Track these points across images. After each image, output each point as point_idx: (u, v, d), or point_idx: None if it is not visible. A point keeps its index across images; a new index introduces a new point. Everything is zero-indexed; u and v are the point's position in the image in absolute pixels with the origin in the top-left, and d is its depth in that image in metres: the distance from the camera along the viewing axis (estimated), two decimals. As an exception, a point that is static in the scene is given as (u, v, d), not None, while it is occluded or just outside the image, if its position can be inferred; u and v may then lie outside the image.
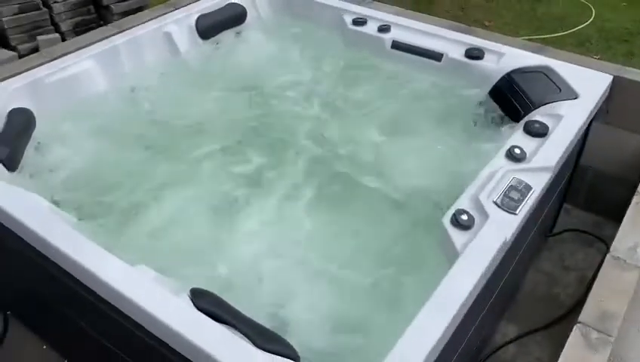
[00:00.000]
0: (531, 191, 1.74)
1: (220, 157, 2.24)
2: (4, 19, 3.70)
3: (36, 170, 2.07)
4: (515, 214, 1.65)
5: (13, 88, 2.25)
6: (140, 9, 4.06)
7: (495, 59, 2.47)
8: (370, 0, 3.09)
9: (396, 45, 2.69)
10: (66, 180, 2.07)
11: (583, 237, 2.73)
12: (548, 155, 1.87)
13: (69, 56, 2.49)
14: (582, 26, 4.37)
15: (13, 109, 2.17)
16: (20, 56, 3.62)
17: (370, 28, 2.77)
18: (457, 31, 2.71)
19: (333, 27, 2.90)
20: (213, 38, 2.94)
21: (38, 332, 2.25)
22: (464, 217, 1.61)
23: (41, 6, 3.86)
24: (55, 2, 3.92)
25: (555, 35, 4.25)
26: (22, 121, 2.16)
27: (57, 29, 3.98)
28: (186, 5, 3.01)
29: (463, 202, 1.69)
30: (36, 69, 2.39)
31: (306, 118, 2.52)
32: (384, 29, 2.74)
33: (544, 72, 2.33)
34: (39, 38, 3.81)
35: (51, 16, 3.94)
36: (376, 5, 3.09)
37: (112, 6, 4.14)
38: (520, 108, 2.23)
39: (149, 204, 1.99)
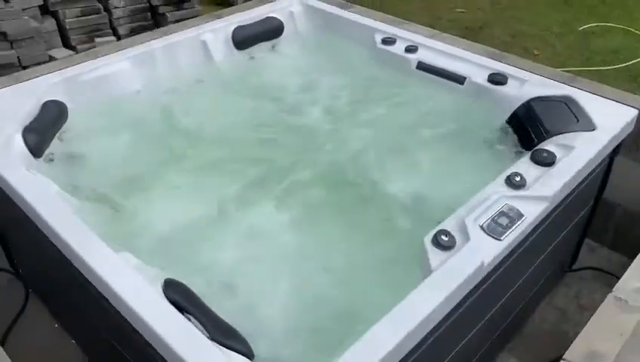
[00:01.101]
0: (522, 219, 1.70)
1: (231, 167, 2.31)
2: (67, 20, 3.99)
3: (58, 158, 2.22)
4: (499, 240, 1.62)
5: (52, 82, 2.44)
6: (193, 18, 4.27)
7: (518, 85, 2.43)
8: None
9: (421, 66, 2.70)
10: (82, 170, 2.20)
11: (604, 277, 2.62)
12: (548, 185, 1.82)
13: (107, 56, 2.67)
14: (635, 60, 4.20)
15: (48, 101, 2.34)
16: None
17: (398, 48, 2.80)
18: (489, 56, 2.70)
19: (364, 45, 2.95)
20: (248, 50, 3.06)
21: (52, 310, 2.40)
22: (445, 238, 1.60)
23: (102, 10, 4.14)
24: (115, 8, 4.19)
25: (604, 68, 4.11)
26: (54, 113, 2.33)
27: (115, 33, 4.25)
28: (227, 16, 3.16)
29: (449, 223, 1.68)
30: (76, 66, 2.57)
31: (323, 131, 2.56)
32: (411, 49, 2.76)
33: (565, 102, 2.28)
34: (97, 39, 4.07)
35: (110, 21, 4.22)
36: (412, 27, 3.12)
37: (167, 14, 4.38)
38: (534, 137, 2.19)
39: (150, 201, 2.09)
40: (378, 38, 2.90)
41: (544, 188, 1.81)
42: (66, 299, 2.10)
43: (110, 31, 4.22)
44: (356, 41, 3.01)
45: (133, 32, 4.31)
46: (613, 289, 1.91)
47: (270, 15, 3.17)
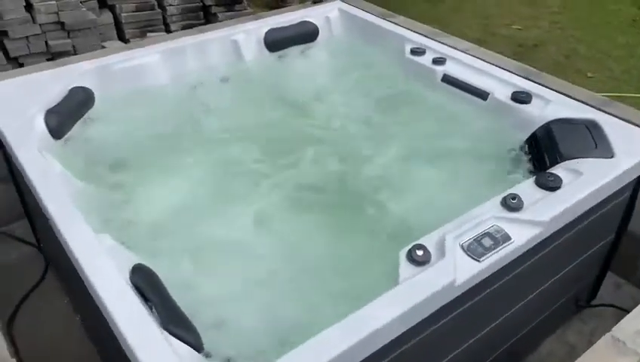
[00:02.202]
0: (508, 243, 1.62)
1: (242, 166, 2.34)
2: (122, 14, 4.19)
3: (78, 141, 2.33)
4: (477, 261, 1.55)
5: (84, 70, 2.56)
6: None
7: (541, 106, 2.32)
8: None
9: (446, 79, 2.64)
10: (99, 153, 2.30)
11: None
12: (545, 210, 1.72)
13: (140, 48, 2.78)
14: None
15: (75, 87, 2.46)
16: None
17: (426, 59, 2.75)
18: (524, 74, 2.60)
19: (394, 55, 2.91)
20: (279, 52, 3.09)
21: (62, 284, 2.52)
22: (419, 253, 1.55)
23: (156, 7, 4.32)
24: (170, 5, 4.36)
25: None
26: (79, 98, 2.45)
27: (167, 29, 4.42)
28: (264, 18, 3.22)
29: (429, 238, 1.62)
30: (109, 56, 2.70)
31: (341, 137, 2.55)
32: (439, 61, 2.70)
33: (588, 126, 2.15)
34: (149, 34, 4.25)
35: (164, 17, 4.39)
36: (449, 39, 3.05)
37: (219, 14, 4.51)
38: (547, 159, 2.09)
39: (155, 185, 2.15)
40: (408, 48, 2.85)
41: (541, 213, 1.71)
42: (67, 274, 2.20)
43: (162, 27, 4.39)
44: (387, 50, 2.98)
45: (185, 29, 4.45)
46: (613, 329, 1.78)
47: (306, 19, 3.19)
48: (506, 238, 1.63)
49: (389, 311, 1.37)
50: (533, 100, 2.36)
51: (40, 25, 3.80)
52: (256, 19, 3.23)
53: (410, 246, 1.58)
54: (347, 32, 3.26)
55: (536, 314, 2.11)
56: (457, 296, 1.53)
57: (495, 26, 5.21)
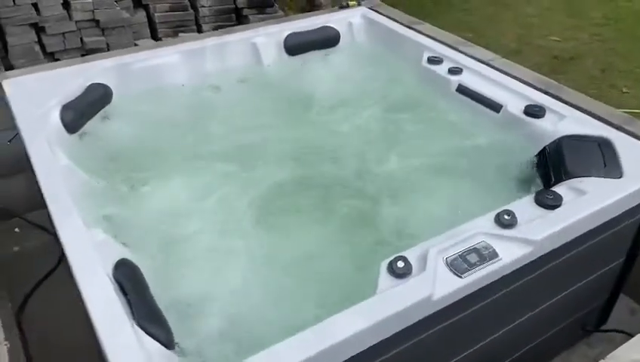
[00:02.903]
0: (496, 260, 1.57)
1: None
2: (156, 14, 4.30)
3: (92, 135, 2.41)
4: (459, 277, 1.52)
5: (104, 67, 2.65)
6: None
7: (555, 120, 2.25)
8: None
9: (460, 89, 2.59)
10: (108, 148, 2.37)
11: (637, 345, 2.34)
12: (539, 229, 1.67)
13: (160, 48, 2.85)
14: None
15: (93, 83, 2.55)
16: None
17: (443, 68, 2.71)
18: (544, 86, 2.54)
19: (412, 63, 2.88)
20: (299, 56, 3.11)
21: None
22: (400, 264, 1.53)
23: (189, 8, 4.41)
24: (202, 7, 4.45)
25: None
26: (97, 94, 2.53)
27: (199, 30, 4.51)
28: (286, 22, 3.25)
29: (414, 251, 1.59)
30: (129, 54, 2.78)
31: (347, 141, 2.54)
32: (455, 71, 2.66)
33: (600, 144, 2.07)
34: (181, 34, 4.35)
35: (196, 18, 4.48)
36: (472, 49, 3.00)
37: (250, 16, 4.57)
38: (553, 176, 2.02)
39: (160, 183, 2.20)
40: (426, 56, 2.82)
41: (534, 231, 1.66)
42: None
43: (195, 28, 4.48)
44: (405, 57, 2.95)
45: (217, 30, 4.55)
46: (607, 357, 1.71)
47: (328, 24, 3.20)
48: (493, 255, 1.58)
49: (356, 322, 1.35)
50: (547, 115, 2.29)
51: (76, 22, 3.95)
52: (279, 22, 3.26)
53: (392, 258, 1.56)
54: (369, 38, 3.25)
55: (534, 335, 2.05)
56: (437, 311, 1.50)
57: (532, 36, 5.08)
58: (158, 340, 1.37)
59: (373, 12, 3.34)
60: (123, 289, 1.50)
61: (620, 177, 1.90)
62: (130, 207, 2.09)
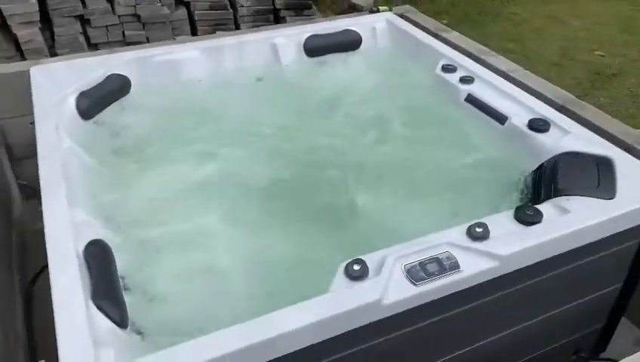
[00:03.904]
0: (455, 271, 1.55)
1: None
2: (196, 11, 4.45)
3: (106, 123, 2.53)
4: (413, 285, 1.50)
5: (125, 59, 2.77)
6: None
7: (558, 136, 2.18)
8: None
9: (469, 99, 2.55)
10: (119, 136, 2.48)
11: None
12: (509, 245, 1.62)
13: (182, 44, 2.95)
14: None
15: (113, 74, 2.67)
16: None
17: (455, 77, 2.67)
18: (563, 100, 2.48)
19: (428, 70, 2.85)
20: (318, 58, 3.14)
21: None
22: (356, 267, 1.53)
23: (229, 7, 4.53)
24: (241, 6, 4.56)
25: None
26: (115, 85, 2.65)
27: (237, 28, 4.62)
28: (310, 24, 3.29)
29: (374, 255, 1.59)
30: (151, 48, 2.90)
31: (350, 144, 2.55)
32: (467, 80, 2.61)
33: (599, 163, 1.99)
34: (218, 32, 4.47)
35: (235, 17, 4.59)
36: (494, 59, 2.94)
37: (287, 18, 4.65)
38: (542, 193, 1.96)
39: (160, 174, 2.29)
40: (440, 63, 2.79)
41: (502, 246, 1.62)
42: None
43: (233, 26, 4.60)
44: (422, 65, 2.92)
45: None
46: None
47: (350, 28, 3.22)
48: (454, 267, 1.56)
49: (296, 319, 1.37)
50: (552, 130, 2.22)
51: (119, 16, 4.15)
52: (302, 24, 3.31)
53: (349, 260, 1.56)
54: (392, 43, 3.24)
55: (511, 356, 1.98)
56: (388, 317, 1.49)
57: (577, 50, 4.89)
58: (110, 318, 1.44)
59: (398, 18, 3.33)
60: (89, 266, 1.58)
61: (611, 198, 1.82)
62: (125, 191, 2.18)
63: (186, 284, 1.80)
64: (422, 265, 1.55)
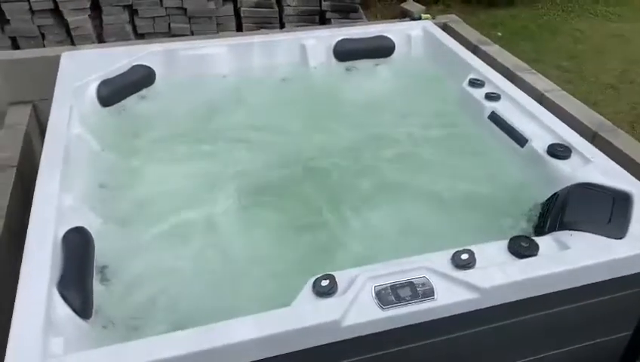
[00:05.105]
0: (428, 299, 1.45)
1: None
2: (242, 8, 4.48)
3: (126, 110, 2.58)
4: (381, 308, 1.42)
5: (151, 50, 2.82)
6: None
7: (578, 165, 2.02)
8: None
9: (492, 117, 2.42)
10: (136, 124, 2.52)
11: None
12: (492, 277, 1.51)
13: (209, 40, 2.97)
14: None
15: (137, 64, 2.72)
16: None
17: (481, 92, 2.54)
18: (596, 125, 2.33)
19: (456, 83, 2.74)
20: (348, 62, 3.08)
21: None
22: (324, 283, 1.46)
23: (275, 6, 4.54)
24: (288, 6, 4.55)
25: None
26: (138, 75, 2.70)
27: (282, 27, 4.62)
28: (344, 27, 3.23)
29: (346, 273, 1.52)
30: (179, 42, 2.93)
31: (363, 153, 2.48)
32: (492, 97, 2.48)
33: (615, 198, 1.83)
34: (262, 30, 4.48)
35: (280, 16, 4.59)
36: (532, 76, 2.79)
37: (332, 20, 4.60)
38: (548, 224, 1.82)
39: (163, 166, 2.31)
40: (468, 78, 2.66)
41: (485, 278, 1.51)
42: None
43: (278, 25, 4.60)
44: (452, 77, 2.81)
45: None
46: None
47: (383, 34, 3.14)
48: (429, 294, 1.47)
49: (246, 330, 1.32)
50: (573, 157, 2.07)
51: (165, 8, 4.23)
52: (337, 27, 3.26)
53: (320, 275, 1.50)
54: (425, 53, 3.14)
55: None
56: (349, 340, 1.42)
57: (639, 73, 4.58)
58: (71, 307, 1.44)
59: (436, 27, 3.22)
60: (67, 252, 1.59)
61: (620, 238, 1.66)
62: (128, 181, 2.20)
63: (166, 279, 1.79)
64: (393, 288, 1.47)
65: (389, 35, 3.14)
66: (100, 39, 4.22)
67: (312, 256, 1.93)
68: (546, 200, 2.00)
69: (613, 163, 2.01)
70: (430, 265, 1.54)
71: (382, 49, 3.14)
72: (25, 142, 2.53)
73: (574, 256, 1.59)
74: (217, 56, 2.91)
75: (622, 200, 1.82)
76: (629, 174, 1.95)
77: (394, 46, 3.13)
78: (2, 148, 2.46)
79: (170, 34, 4.33)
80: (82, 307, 1.47)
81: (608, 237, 1.66)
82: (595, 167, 1.99)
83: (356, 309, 1.42)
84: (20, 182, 2.27)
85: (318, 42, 3.04)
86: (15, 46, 4.13)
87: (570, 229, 1.71)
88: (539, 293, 1.56)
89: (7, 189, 2.14)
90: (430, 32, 3.17)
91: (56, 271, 1.52)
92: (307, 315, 1.38)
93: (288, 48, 3.02)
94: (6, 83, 2.85)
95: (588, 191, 1.89)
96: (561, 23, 5.69)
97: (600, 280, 1.62)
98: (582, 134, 2.24)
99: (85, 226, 1.75)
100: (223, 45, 2.93)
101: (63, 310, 1.43)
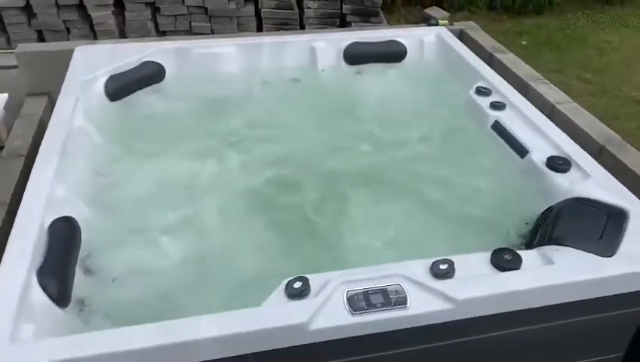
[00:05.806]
0: (401, 307, 1.43)
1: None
2: (263, 9, 4.51)
3: (132, 104, 2.63)
4: (350, 314, 1.41)
5: (162, 48, 2.86)
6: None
7: (576, 179, 1.97)
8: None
9: (495, 126, 2.38)
10: (141, 119, 2.57)
11: None
12: (469, 289, 1.48)
13: (221, 39, 3.00)
14: None
15: (147, 61, 2.76)
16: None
17: (486, 101, 2.50)
18: (603, 139, 2.28)
19: (463, 90, 2.70)
20: (358, 66, 3.07)
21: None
22: (297, 285, 1.46)
23: (295, 7, 4.55)
24: (308, 8, 4.57)
25: None
26: (148, 71, 2.75)
27: (302, 29, 4.63)
28: (355, 31, 3.23)
29: (321, 277, 1.51)
30: (191, 40, 2.97)
31: (365, 158, 2.47)
32: (497, 106, 2.44)
33: (610, 214, 1.77)
34: (281, 31, 4.51)
35: (301, 18, 4.60)
36: (544, 87, 2.73)
37: (353, 23, 4.59)
38: (536, 239, 1.78)
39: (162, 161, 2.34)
40: (476, 85, 2.62)
41: (461, 289, 1.48)
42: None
43: (298, 27, 4.61)
44: (461, 84, 2.77)
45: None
46: None
47: (395, 39, 3.12)
48: (401, 302, 1.45)
49: (209, 328, 1.33)
50: (572, 171, 2.01)
51: (187, 7, 4.29)
52: (347, 30, 3.25)
53: (293, 277, 1.50)
54: (437, 59, 3.11)
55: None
56: (315, 344, 1.41)
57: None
58: (48, 295, 1.47)
59: (449, 33, 3.18)
60: (52, 240, 1.63)
61: (609, 256, 1.61)
62: (127, 174, 2.24)
63: (150, 272, 1.81)
64: (365, 294, 1.46)
65: (401, 40, 3.12)
66: (122, 35, 4.31)
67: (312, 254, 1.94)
68: (541, 214, 1.95)
69: (612, 178, 1.95)
70: (407, 273, 1.52)
71: (393, 54, 3.11)
72: (37, 132, 2.60)
73: (557, 272, 1.55)
74: (228, 55, 2.94)
75: (617, 216, 1.76)
76: (627, 190, 1.89)
77: (405, 51, 3.11)
78: (16, 137, 2.54)
79: (192, 32, 4.39)
80: (60, 295, 1.50)
81: (596, 254, 1.61)
82: (593, 182, 1.93)
83: (325, 313, 1.41)
84: (27, 170, 2.33)
85: (328, 45, 3.04)
86: (41, 39, 4.25)
87: (558, 244, 1.67)
88: (519, 308, 1.52)
89: (15, 177, 2.21)
90: (443, 38, 3.13)
91: (38, 259, 1.56)
92: (274, 316, 1.38)
93: (298, 50, 3.02)
94: (26, 74, 2.94)
95: (582, 206, 1.84)
96: (589, 33, 5.56)
97: (585, 298, 1.57)
98: (588, 147, 2.19)
99: (75, 217, 1.78)
100: (234, 45, 2.96)
101: (39, 297, 1.46)
